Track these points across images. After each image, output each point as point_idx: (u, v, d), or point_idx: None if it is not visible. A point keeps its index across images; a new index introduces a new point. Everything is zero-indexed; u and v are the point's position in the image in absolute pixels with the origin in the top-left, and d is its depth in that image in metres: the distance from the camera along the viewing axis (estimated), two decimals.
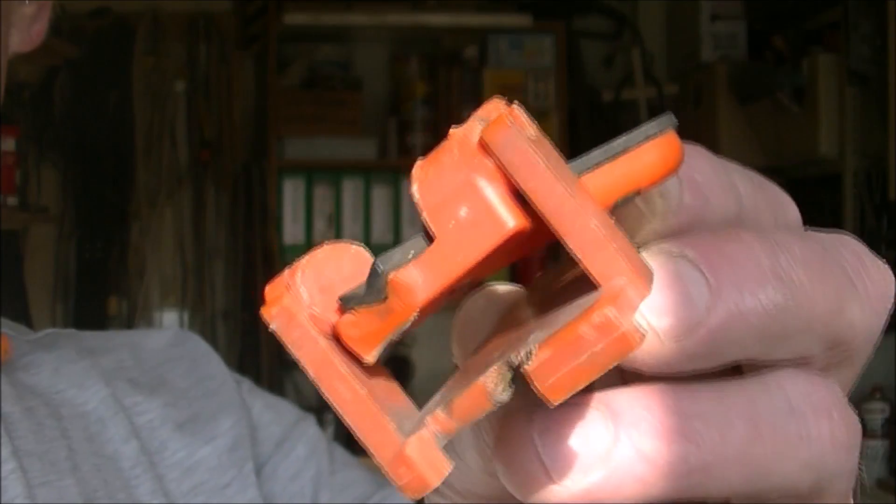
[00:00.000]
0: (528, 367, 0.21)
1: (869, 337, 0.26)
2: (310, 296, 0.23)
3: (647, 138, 0.23)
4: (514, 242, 0.22)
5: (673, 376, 0.24)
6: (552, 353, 0.21)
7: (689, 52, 3.01)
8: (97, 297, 2.98)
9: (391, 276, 0.22)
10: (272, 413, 0.65)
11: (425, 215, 0.22)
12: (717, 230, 0.25)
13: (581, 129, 3.09)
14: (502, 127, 0.21)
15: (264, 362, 2.95)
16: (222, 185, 3.04)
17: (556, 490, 0.23)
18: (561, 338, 0.21)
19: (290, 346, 0.22)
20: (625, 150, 0.23)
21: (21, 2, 0.57)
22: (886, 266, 0.27)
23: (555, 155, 0.22)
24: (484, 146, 0.21)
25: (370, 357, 0.23)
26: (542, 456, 0.23)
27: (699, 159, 0.27)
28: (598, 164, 0.23)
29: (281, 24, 2.94)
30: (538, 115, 3.01)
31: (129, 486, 0.57)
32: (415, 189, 0.22)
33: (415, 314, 0.22)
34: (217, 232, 3.05)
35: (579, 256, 0.22)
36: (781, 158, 2.78)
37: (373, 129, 3.04)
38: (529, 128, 0.21)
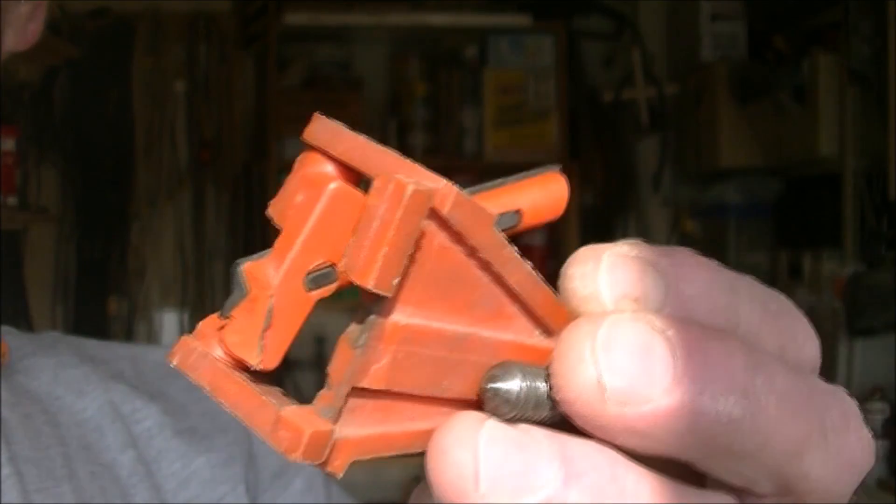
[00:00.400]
0: (341, 266, 0.22)
1: (825, 496, 0.25)
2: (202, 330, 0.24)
3: (534, 174, 0.25)
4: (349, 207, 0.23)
5: (605, 443, 0.24)
6: (354, 240, 0.22)
7: (689, 52, 3.01)
8: (97, 297, 2.98)
9: (244, 266, 0.23)
10: None
11: (275, 220, 0.23)
12: (708, 327, 0.24)
13: (581, 129, 3.09)
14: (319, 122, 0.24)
15: None
16: (222, 185, 3.04)
17: (477, 502, 0.23)
18: (357, 225, 0.22)
19: (187, 373, 0.23)
20: (512, 181, 0.25)
21: (16, 1, 0.57)
22: (871, 442, 0.27)
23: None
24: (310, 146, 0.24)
25: (254, 358, 0.23)
26: (480, 461, 0.23)
27: (697, 270, 0.26)
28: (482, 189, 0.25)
29: (281, 24, 2.94)
30: (538, 115, 3.02)
31: (126, 495, 0.57)
32: (269, 210, 0.24)
33: (271, 295, 0.23)
34: (217, 232, 3.05)
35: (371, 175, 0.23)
36: (781, 158, 2.78)
37: (373, 129, 3.04)
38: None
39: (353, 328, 0.22)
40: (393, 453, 0.24)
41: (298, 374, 2.92)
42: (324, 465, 0.22)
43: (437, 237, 0.23)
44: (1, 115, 2.73)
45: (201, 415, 0.62)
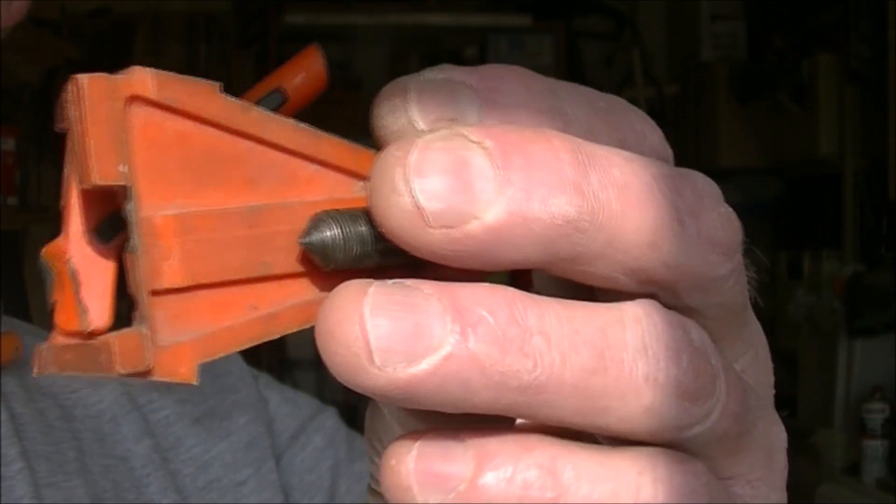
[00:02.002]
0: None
1: (697, 282, 0.24)
2: None
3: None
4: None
5: (445, 266, 0.23)
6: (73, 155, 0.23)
7: (689, 52, 3.01)
8: None
9: (43, 250, 0.24)
10: (289, 406, 0.65)
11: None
12: (528, 129, 0.23)
13: None
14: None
15: (264, 361, 2.95)
16: None
17: (375, 374, 0.22)
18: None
19: (47, 373, 0.24)
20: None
21: None
22: (734, 216, 0.26)
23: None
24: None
25: (81, 323, 0.24)
26: (368, 334, 0.22)
27: (512, 79, 0.24)
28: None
29: (281, 24, 2.94)
30: None
31: (139, 486, 0.57)
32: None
33: (68, 259, 0.23)
34: None
35: None
36: (781, 158, 2.78)
37: None
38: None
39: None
40: (249, 345, 0.23)
41: (298, 373, 2.92)
42: (160, 372, 0.22)
43: (165, 122, 0.23)
44: (1, 115, 2.73)
45: (218, 393, 0.62)
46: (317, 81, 0.26)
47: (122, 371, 0.22)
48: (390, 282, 0.22)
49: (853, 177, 2.58)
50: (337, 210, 0.24)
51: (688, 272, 0.24)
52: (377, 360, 0.22)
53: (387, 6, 2.97)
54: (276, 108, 0.25)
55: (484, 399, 0.22)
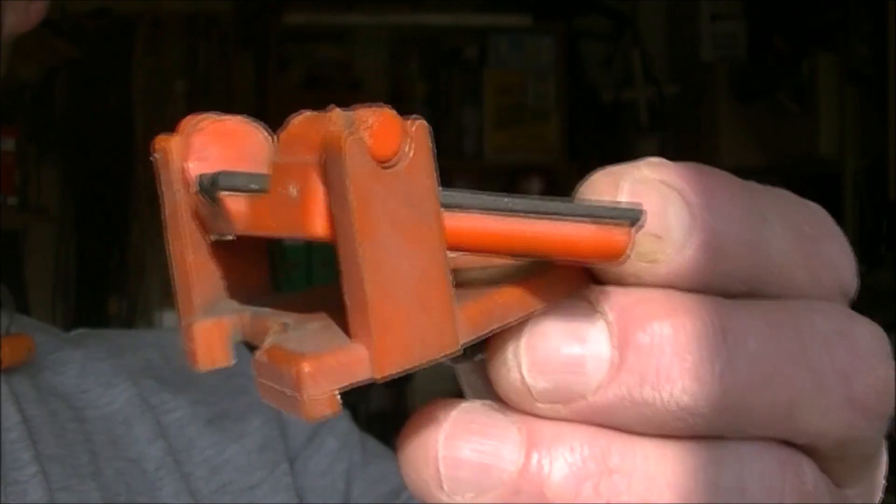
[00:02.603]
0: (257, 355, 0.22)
1: (835, 444, 0.23)
2: (197, 153, 0.24)
3: (587, 216, 0.21)
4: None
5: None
6: (265, 357, 0.21)
7: (689, 52, 3.01)
8: (97, 297, 2.98)
9: (222, 194, 0.22)
10: None
11: (278, 158, 0.22)
12: (658, 301, 0.22)
13: (581, 129, 3.09)
14: (344, 151, 0.20)
15: None
16: None
17: (444, 501, 0.22)
18: (268, 354, 0.21)
19: (158, 184, 0.24)
20: (542, 212, 0.21)
21: None
22: (892, 377, 0.24)
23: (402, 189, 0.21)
24: (328, 155, 0.21)
25: (211, 237, 0.23)
26: (439, 463, 0.22)
27: (726, 197, 0.23)
28: (485, 209, 0.22)
29: (281, 24, 2.94)
30: (538, 115, 3.02)
31: (152, 489, 0.56)
32: (283, 134, 0.22)
33: (231, 236, 0.23)
34: None
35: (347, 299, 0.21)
36: (781, 158, 2.78)
37: None
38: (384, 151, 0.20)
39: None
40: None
41: None
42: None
43: None
44: (1, 115, 2.73)
45: (231, 393, 0.62)
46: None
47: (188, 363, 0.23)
48: (475, 405, 0.22)
49: (853, 177, 2.58)
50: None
51: (825, 437, 0.23)
52: (446, 488, 0.22)
53: (387, 6, 2.96)
54: None
55: None
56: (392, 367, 0.20)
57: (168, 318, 3.05)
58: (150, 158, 0.24)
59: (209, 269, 0.24)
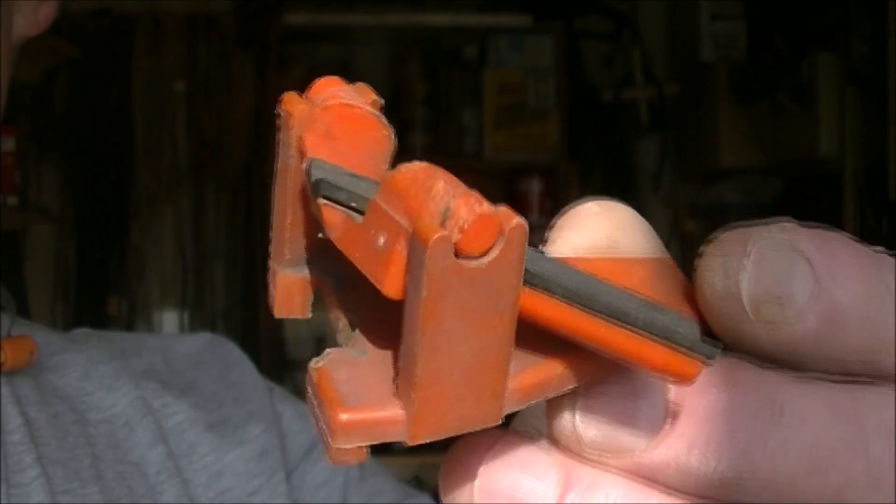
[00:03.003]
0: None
1: None
2: (318, 130, 0.24)
3: (673, 338, 0.21)
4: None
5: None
6: (314, 377, 0.21)
7: (689, 52, 3.01)
8: (97, 297, 2.98)
9: (321, 201, 0.22)
10: (303, 422, 0.64)
11: (378, 198, 0.22)
12: (719, 369, 0.21)
13: (581, 129, 3.09)
14: (428, 249, 0.19)
15: (264, 362, 2.95)
16: (222, 185, 3.04)
17: None
18: (318, 377, 0.21)
19: (277, 136, 0.24)
20: (624, 321, 0.21)
21: None
22: None
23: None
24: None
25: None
26: (475, 490, 0.22)
27: (854, 268, 0.22)
28: (587, 294, 0.21)
29: (281, 24, 2.94)
30: (538, 115, 3.01)
31: (154, 493, 0.56)
32: (388, 180, 0.21)
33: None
34: (217, 232, 3.05)
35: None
36: (781, 158, 2.77)
37: None
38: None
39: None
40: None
41: (298, 374, 2.92)
42: None
43: None
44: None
45: (233, 402, 0.62)
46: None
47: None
48: (520, 440, 0.22)
49: (853, 177, 2.58)
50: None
51: None
52: None
53: (387, 6, 2.96)
54: None
55: None
56: (426, 437, 0.20)
57: (168, 318, 3.06)
58: (275, 112, 0.24)
59: (304, 232, 0.24)
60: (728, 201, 2.94)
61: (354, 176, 0.22)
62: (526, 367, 0.21)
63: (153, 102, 2.99)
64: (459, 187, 0.20)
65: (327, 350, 0.22)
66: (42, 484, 0.52)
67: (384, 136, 0.24)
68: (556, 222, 0.24)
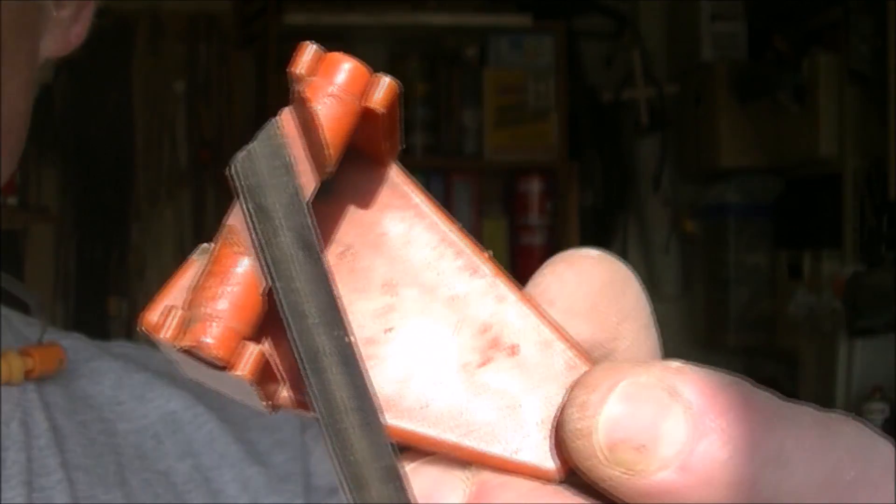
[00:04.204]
0: None
1: None
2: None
3: None
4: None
5: None
6: None
7: (689, 52, 3.01)
8: (97, 297, 2.98)
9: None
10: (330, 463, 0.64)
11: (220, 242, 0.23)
12: None
13: (581, 129, 3.09)
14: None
15: None
16: (222, 185, 3.03)
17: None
18: None
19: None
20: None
21: (58, 1, 0.55)
22: None
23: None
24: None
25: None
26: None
27: (734, 419, 0.20)
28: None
29: (281, 24, 2.94)
30: (538, 114, 3.01)
31: (181, 500, 0.56)
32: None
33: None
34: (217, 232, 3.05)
35: None
36: (781, 158, 2.78)
37: None
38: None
39: None
40: None
41: None
42: None
43: None
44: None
45: (260, 430, 0.62)
46: None
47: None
48: None
49: (853, 177, 2.58)
50: None
51: None
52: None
53: (387, 6, 2.96)
54: None
55: None
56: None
57: None
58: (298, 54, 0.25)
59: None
60: (728, 201, 2.94)
61: (284, 173, 0.23)
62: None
63: (153, 102, 2.99)
64: (227, 313, 0.22)
65: (212, 247, 0.23)
66: (65, 488, 0.52)
67: (327, 155, 0.24)
68: (553, 259, 0.23)
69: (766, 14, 2.89)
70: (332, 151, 0.23)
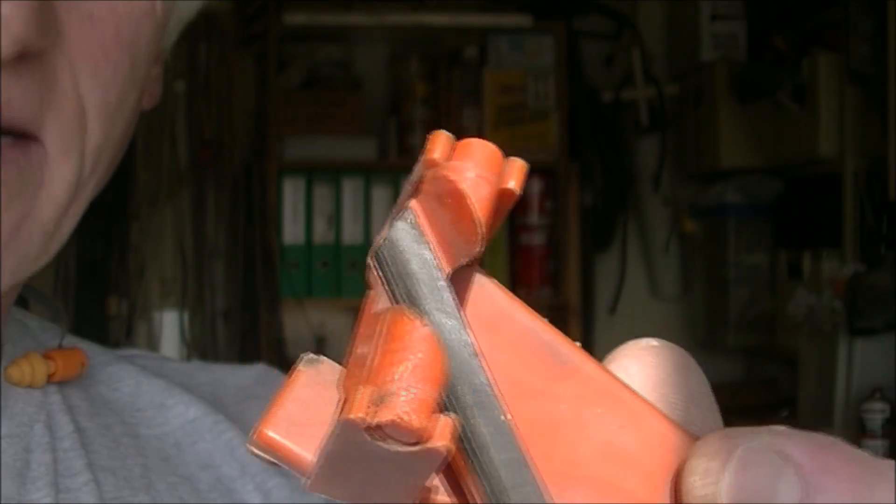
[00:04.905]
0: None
1: None
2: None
3: None
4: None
5: None
6: None
7: (689, 52, 3.01)
8: (97, 297, 2.98)
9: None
10: None
11: (361, 329, 0.24)
12: None
13: (581, 129, 3.09)
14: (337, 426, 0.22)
15: (264, 362, 2.94)
16: (222, 185, 3.04)
17: None
18: None
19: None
20: None
21: (156, 59, 0.58)
22: None
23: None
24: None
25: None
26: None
27: (838, 471, 0.22)
28: None
29: (281, 24, 2.94)
30: (538, 115, 3.02)
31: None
32: (365, 318, 0.24)
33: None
34: (217, 232, 3.05)
35: None
36: (781, 158, 2.78)
37: (373, 129, 3.04)
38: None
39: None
40: None
41: None
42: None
43: None
44: None
45: None
46: None
47: None
48: None
49: (853, 177, 2.58)
50: None
51: None
52: None
53: (387, 6, 2.96)
54: None
55: None
56: (321, 492, 0.24)
57: (168, 318, 3.06)
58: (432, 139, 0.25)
59: None
60: (728, 201, 2.94)
61: (426, 264, 0.23)
62: None
63: None
64: (417, 383, 0.21)
65: (322, 358, 0.22)
66: (92, 490, 0.52)
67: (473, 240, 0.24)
68: (616, 354, 0.25)
69: (766, 14, 2.89)
70: (483, 230, 0.23)
